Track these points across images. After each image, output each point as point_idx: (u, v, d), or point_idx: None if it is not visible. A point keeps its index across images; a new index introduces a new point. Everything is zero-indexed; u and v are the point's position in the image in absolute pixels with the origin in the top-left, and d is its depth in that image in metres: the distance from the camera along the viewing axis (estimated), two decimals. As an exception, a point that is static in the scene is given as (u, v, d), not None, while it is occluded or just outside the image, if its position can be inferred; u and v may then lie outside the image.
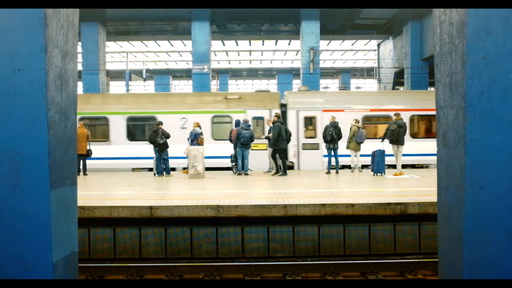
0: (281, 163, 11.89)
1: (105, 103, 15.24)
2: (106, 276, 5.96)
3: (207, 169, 12.51)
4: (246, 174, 12.09)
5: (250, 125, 12.32)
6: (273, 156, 11.89)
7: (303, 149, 14.36)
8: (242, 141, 11.87)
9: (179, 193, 8.41)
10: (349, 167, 13.21)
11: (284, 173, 11.76)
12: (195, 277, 5.94)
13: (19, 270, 2.97)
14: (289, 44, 27.58)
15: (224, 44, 27.80)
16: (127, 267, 6.04)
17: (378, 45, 26.68)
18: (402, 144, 11.65)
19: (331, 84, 40.53)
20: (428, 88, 21.06)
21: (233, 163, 12.44)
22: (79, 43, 19.43)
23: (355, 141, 12.40)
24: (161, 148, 11.86)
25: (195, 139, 11.97)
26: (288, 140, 11.96)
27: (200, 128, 12.43)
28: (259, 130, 14.24)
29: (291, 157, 14.29)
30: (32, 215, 2.97)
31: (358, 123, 12.86)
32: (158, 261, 6.68)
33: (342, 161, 12.91)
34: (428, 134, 14.86)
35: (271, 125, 12.13)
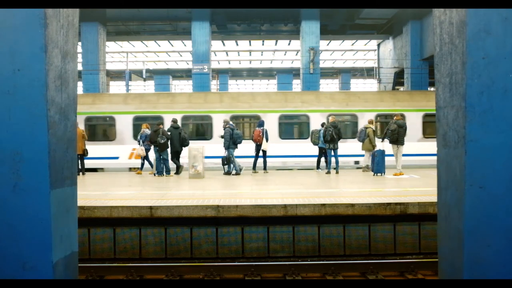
0: (178, 163, 12.40)
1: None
2: (106, 276, 5.96)
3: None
4: (238, 173, 12.21)
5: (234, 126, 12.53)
6: (172, 158, 12.31)
7: None
8: (238, 141, 12.02)
9: (179, 193, 8.42)
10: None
11: (177, 172, 12.28)
12: (195, 277, 5.95)
13: (19, 270, 2.97)
14: (289, 44, 27.57)
15: (224, 44, 27.79)
16: (127, 267, 6.05)
17: (378, 45, 26.68)
18: (402, 144, 11.65)
19: (331, 84, 40.52)
20: (428, 88, 21.06)
21: (225, 165, 12.49)
22: (79, 43, 19.44)
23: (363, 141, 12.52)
24: (161, 148, 11.87)
25: (146, 140, 12.43)
26: (184, 144, 12.14)
27: (149, 129, 12.78)
28: None
29: None
30: (32, 215, 2.97)
31: (372, 123, 12.94)
32: (158, 261, 6.68)
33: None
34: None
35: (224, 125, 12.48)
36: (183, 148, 12.14)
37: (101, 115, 15.05)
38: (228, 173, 12.25)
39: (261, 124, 12.67)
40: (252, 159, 12.77)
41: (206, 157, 12.43)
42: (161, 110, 14.93)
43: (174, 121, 12.42)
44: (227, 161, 12.19)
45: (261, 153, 12.68)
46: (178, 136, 12.06)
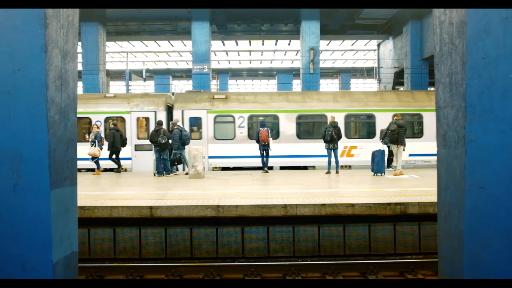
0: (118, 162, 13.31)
1: None
2: (106, 276, 5.96)
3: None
4: (187, 173, 12.28)
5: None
6: (110, 156, 13.13)
7: None
8: (187, 143, 12.23)
9: (179, 193, 8.41)
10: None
11: (118, 171, 13.24)
12: (195, 277, 5.95)
13: (19, 270, 2.97)
14: (289, 44, 27.58)
15: (224, 44, 27.80)
16: (127, 267, 6.05)
17: (378, 45, 26.68)
18: (402, 144, 11.65)
19: (331, 84, 40.50)
20: (428, 88, 21.05)
21: (175, 165, 12.62)
22: (79, 43, 19.44)
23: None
24: (162, 148, 11.90)
25: (100, 140, 12.92)
26: (124, 144, 13.18)
27: (99, 130, 13.35)
28: None
29: None
30: (32, 215, 2.97)
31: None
32: (158, 261, 6.68)
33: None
34: None
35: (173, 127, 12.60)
36: (122, 148, 13.19)
37: (312, 113, 14.84)
38: (185, 173, 12.49)
39: (264, 124, 12.81)
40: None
41: (414, 154, 12.38)
42: (373, 108, 14.80)
43: (114, 124, 13.39)
44: (178, 161, 12.37)
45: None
46: (119, 137, 12.99)
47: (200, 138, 14.19)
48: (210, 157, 13.69)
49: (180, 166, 13.27)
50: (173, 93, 15.95)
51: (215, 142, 14.04)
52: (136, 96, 15.13)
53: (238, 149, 13.54)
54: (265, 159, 12.83)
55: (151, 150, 13.23)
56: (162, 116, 14.13)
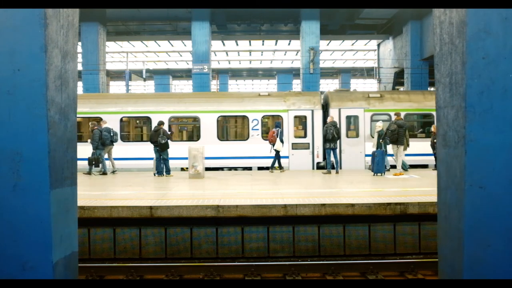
0: None
1: None
2: (106, 276, 5.96)
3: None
4: (103, 173, 12.56)
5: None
6: None
7: None
8: (107, 143, 12.51)
9: (179, 193, 8.41)
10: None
11: None
12: (195, 277, 5.95)
13: (19, 270, 2.96)
14: (289, 44, 27.58)
15: (224, 44, 27.80)
16: (127, 267, 6.05)
17: (378, 45, 26.68)
18: (402, 144, 11.66)
19: (331, 84, 40.51)
20: (428, 88, 21.05)
21: (93, 165, 12.74)
22: (79, 43, 19.45)
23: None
24: (161, 148, 11.91)
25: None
26: None
27: None
28: None
29: None
30: (32, 215, 2.97)
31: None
32: (158, 261, 6.68)
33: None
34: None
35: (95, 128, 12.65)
36: None
37: None
38: (104, 173, 12.67)
39: (278, 125, 13.00)
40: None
41: None
42: None
43: None
44: (96, 161, 12.52)
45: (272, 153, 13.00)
46: None
47: (357, 136, 14.15)
48: (366, 155, 13.66)
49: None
50: (321, 92, 15.87)
51: (372, 140, 13.78)
52: (291, 95, 15.03)
53: None
54: (279, 159, 12.93)
55: (308, 148, 13.18)
56: (319, 114, 14.14)
